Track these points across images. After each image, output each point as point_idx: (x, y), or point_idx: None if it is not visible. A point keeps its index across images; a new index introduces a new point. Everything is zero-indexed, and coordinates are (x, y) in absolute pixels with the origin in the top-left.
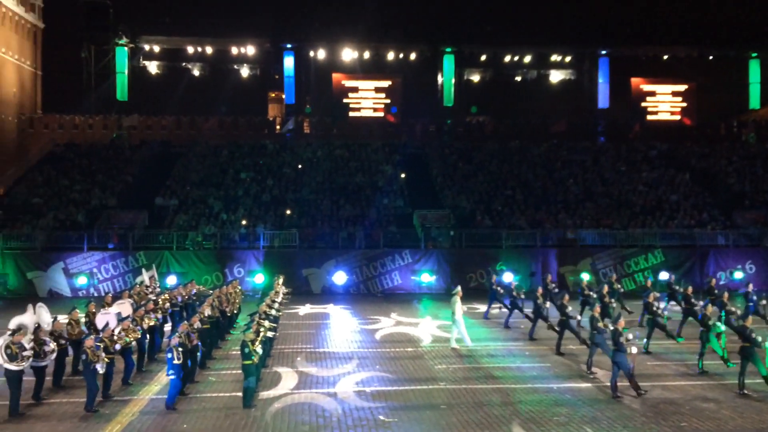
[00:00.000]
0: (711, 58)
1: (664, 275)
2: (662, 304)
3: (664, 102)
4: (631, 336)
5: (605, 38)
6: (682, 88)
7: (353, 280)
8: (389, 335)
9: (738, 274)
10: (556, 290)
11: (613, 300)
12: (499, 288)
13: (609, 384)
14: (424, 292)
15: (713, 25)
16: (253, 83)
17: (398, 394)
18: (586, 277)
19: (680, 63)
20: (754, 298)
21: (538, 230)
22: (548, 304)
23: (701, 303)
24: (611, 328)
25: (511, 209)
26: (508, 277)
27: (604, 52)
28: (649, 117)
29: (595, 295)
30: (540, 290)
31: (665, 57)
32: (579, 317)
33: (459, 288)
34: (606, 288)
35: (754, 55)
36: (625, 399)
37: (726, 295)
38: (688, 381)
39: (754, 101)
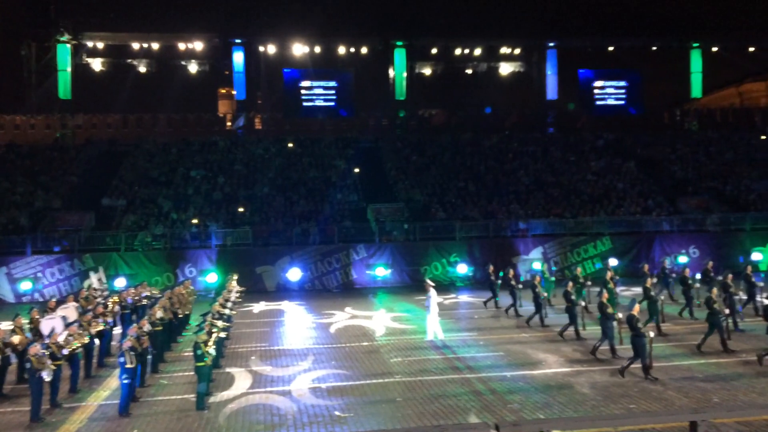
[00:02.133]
0: (654, 48)
1: (613, 262)
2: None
3: (610, 92)
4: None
5: (552, 31)
6: (628, 77)
7: (308, 277)
8: (344, 329)
9: (682, 259)
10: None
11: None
12: (497, 279)
13: (560, 371)
14: (380, 286)
15: (656, 16)
16: (202, 79)
17: (354, 389)
18: (537, 266)
19: (625, 54)
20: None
21: (491, 221)
22: (545, 293)
23: (697, 286)
24: (619, 315)
25: (464, 201)
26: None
27: (551, 44)
28: (596, 107)
29: (590, 283)
30: (538, 278)
31: (610, 48)
32: (583, 303)
33: (429, 280)
34: (609, 274)
35: (695, 45)
36: (576, 384)
37: (730, 276)
38: (635, 364)
39: (696, 90)
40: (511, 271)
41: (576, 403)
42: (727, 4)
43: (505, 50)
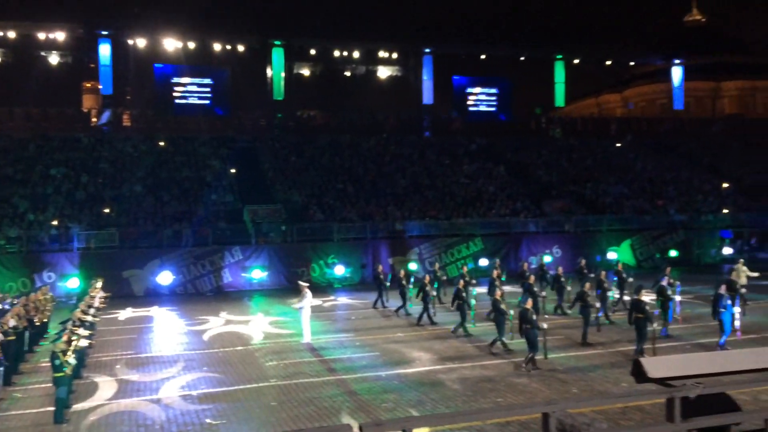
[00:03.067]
0: (522, 58)
1: (483, 261)
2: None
3: (483, 99)
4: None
5: (428, 36)
6: (499, 85)
7: (180, 280)
8: (218, 335)
9: (547, 258)
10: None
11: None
12: (385, 279)
13: (433, 368)
14: (256, 288)
15: (524, 28)
16: (65, 72)
17: (227, 395)
18: (413, 266)
19: (496, 62)
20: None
21: (369, 223)
22: (434, 291)
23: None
24: (511, 312)
25: (342, 203)
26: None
27: (427, 50)
28: (470, 113)
29: (475, 281)
30: (427, 278)
31: (483, 56)
32: (474, 301)
33: (303, 281)
34: (496, 272)
35: (558, 57)
36: (448, 381)
37: (603, 273)
38: (503, 359)
39: (560, 99)
40: (402, 272)
41: (447, 399)
42: (587, 20)
43: (383, 54)
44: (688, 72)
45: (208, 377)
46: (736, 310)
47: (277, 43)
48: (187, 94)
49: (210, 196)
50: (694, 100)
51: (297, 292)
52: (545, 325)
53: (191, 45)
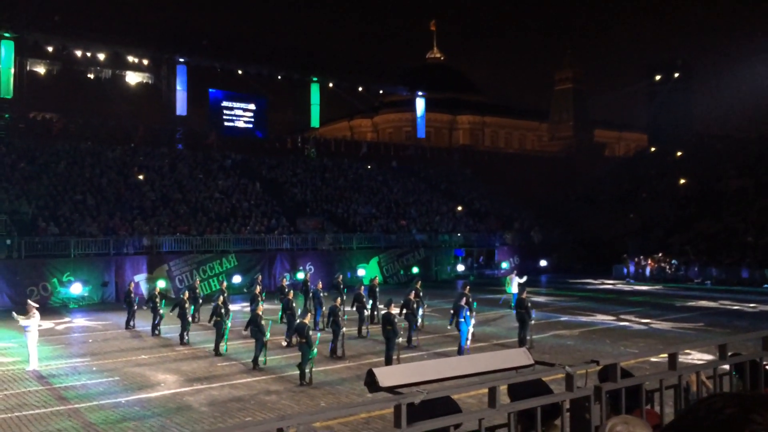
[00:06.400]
0: (280, 77)
1: (237, 278)
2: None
3: (240, 115)
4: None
5: (183, 46)
6: (256, 102)
7: None
8: None
9: (300, 275)
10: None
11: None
12: (135, 295)
13: (179, 391)
14: None
15: (282, 48)
16: None
17: None
18: (161, 284)
19: (253, 79)
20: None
21: (112, 237)
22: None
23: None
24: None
25: (81, 215)
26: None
27: (181, 59)
28: (225, 128)
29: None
30: (187, 294)
31: (240, 72)
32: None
33: (31, 302)
34: (258, 288)
35: (314, 79)
36: (195, 403)
37: (362, 288)
38: (253, 377)
39: (315, 120)
40: (156, 290)
41: (194, 422)
42: (343, 47)
43: (132, 59)
44: (430, 105)
45: None
46: (472, 322)
47: (7, 35)
48: None
49: None
50: (434, 130)
51: (23, 313)
52: (315, 350)
53: None
